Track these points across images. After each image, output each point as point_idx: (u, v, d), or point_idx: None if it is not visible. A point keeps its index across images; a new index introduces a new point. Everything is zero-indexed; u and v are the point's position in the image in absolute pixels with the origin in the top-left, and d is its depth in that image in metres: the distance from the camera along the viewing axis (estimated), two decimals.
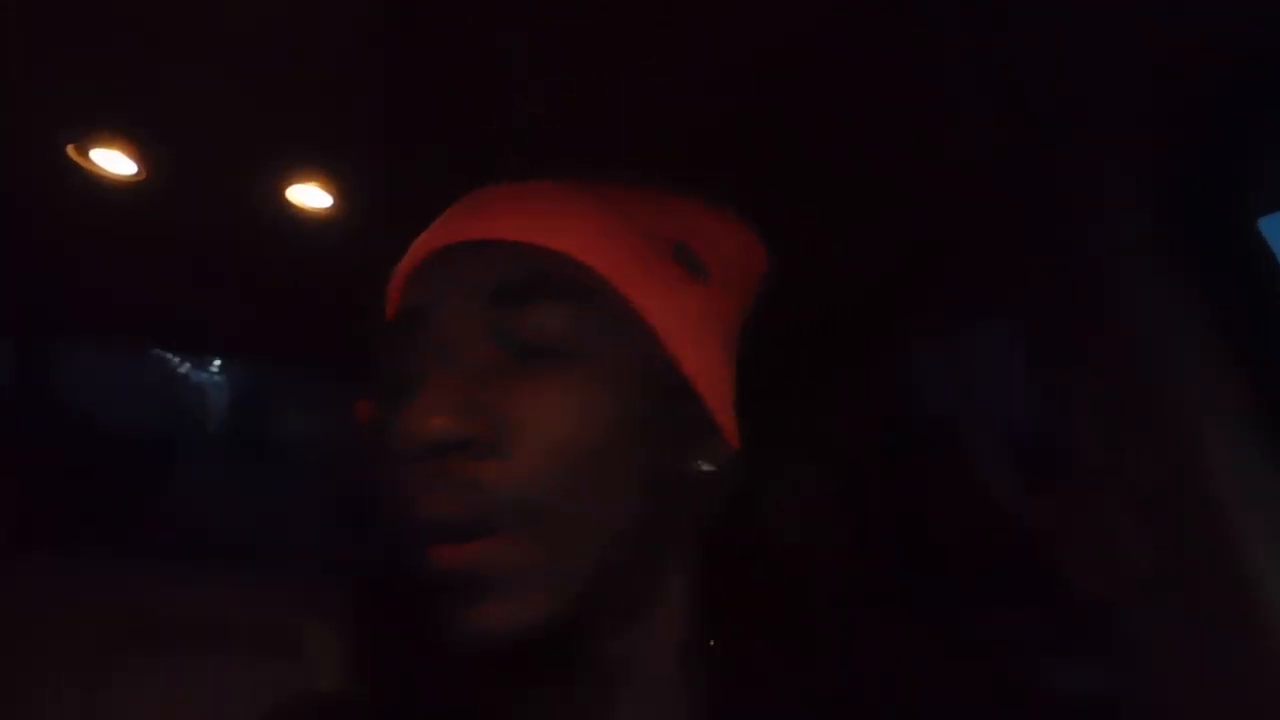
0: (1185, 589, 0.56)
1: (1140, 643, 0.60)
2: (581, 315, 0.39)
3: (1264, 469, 0.54)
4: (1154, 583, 0.58)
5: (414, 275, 0.44)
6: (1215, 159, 0.60)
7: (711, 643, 0.42)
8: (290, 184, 0.77)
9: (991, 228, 0.73)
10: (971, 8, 0.51)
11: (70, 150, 0.76)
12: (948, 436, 0.92)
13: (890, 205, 0.72)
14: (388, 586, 0.50)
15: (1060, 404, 0.67)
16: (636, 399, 0.39)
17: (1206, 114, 0.57)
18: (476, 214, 0.44)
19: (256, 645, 1.03)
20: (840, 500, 0.80)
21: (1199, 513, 0.55)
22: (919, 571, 0.85)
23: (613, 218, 0.43)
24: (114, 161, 0.77)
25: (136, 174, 0.78)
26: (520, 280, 0.40)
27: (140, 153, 0.75)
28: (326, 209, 0.81)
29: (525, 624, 0.35)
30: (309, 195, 0.79)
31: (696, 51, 0.56)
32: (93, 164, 0.77)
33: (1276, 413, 0.55)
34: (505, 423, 0.36)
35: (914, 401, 0.97)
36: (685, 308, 0.42)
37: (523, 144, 0.67)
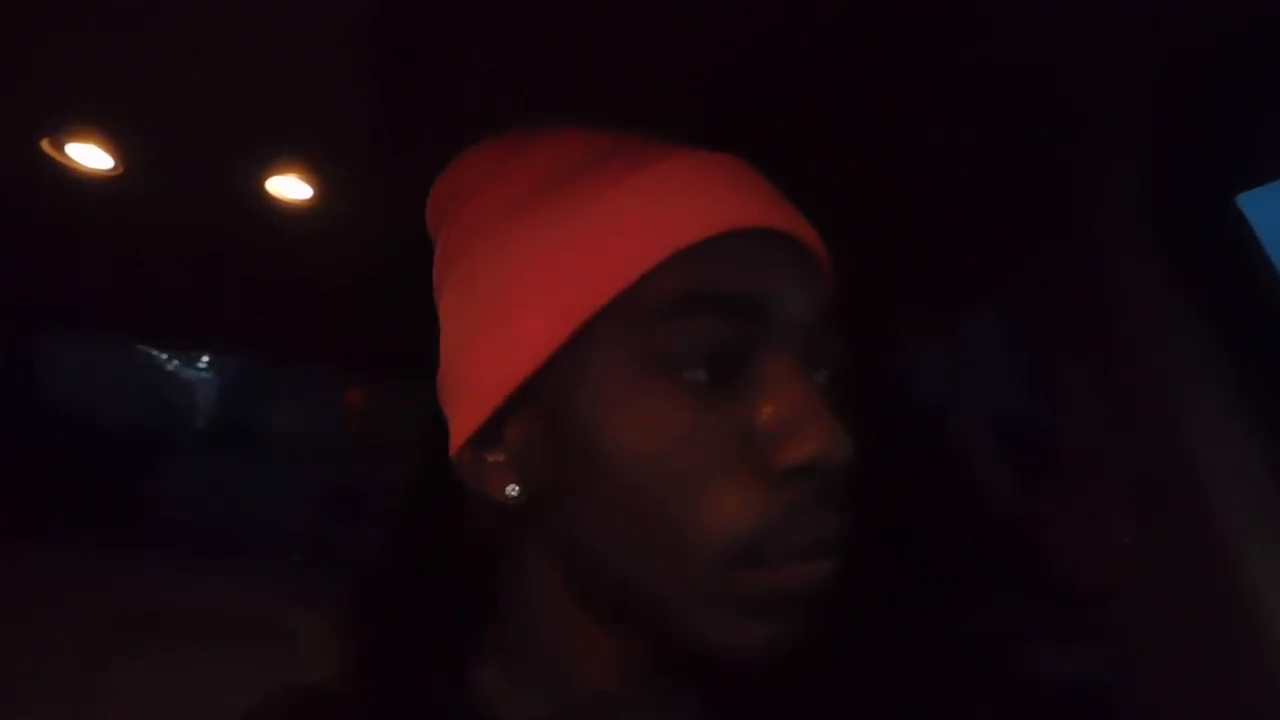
0: (1175, 578, 0.56)
1: (1132, 634, 0.60)
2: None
3: (1250, 453, 0.54)
4: (1145, 573, 0.58)
5: (732, 247, 0.38)
6: (1199, 142, 0.60)
7: None
8: (270, 176, 0.76)
9: (979, 221, 0.73)
10: (965, 3, 0.51)
11: (45, 145, 0.75)
12: (940, 430, 0.92)
13: (884, 200, 0.72)
14: (381, 578, 0.50)
15: (1049, 394, 0.68)
16: None
17: (1193, 99, 0.57)
18: (775, 202, 0.41)
19: (248, 638, 1.04)
20: None
21: (1186, 501, 0.55)
22: (912, 564, 0.85)
23: None
24: (90, 156, 0.75)
25: (114, 168, 0.77)
26: (834, 310, 0.40)
27: (117, 146, 0.74)
28: (307, 200, 0.80)
29: (796, 643, 0.37)
30: (289, 186, 0.78)
31: (687, 42, 0.56)
32: (69, 159, 0.76)
33: (1261, 396, 0.55)
34: None
35: (906, 395, 0.98)
36: None
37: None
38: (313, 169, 0.75)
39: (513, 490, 0.40)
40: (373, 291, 1.02)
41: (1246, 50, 0.53)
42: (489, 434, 0.41)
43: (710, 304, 0.37)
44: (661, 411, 0.36)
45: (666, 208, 0.38)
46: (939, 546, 0.87)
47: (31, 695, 1.01)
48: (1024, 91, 0.58)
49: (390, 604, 0.47)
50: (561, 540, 0.40)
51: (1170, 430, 0.56)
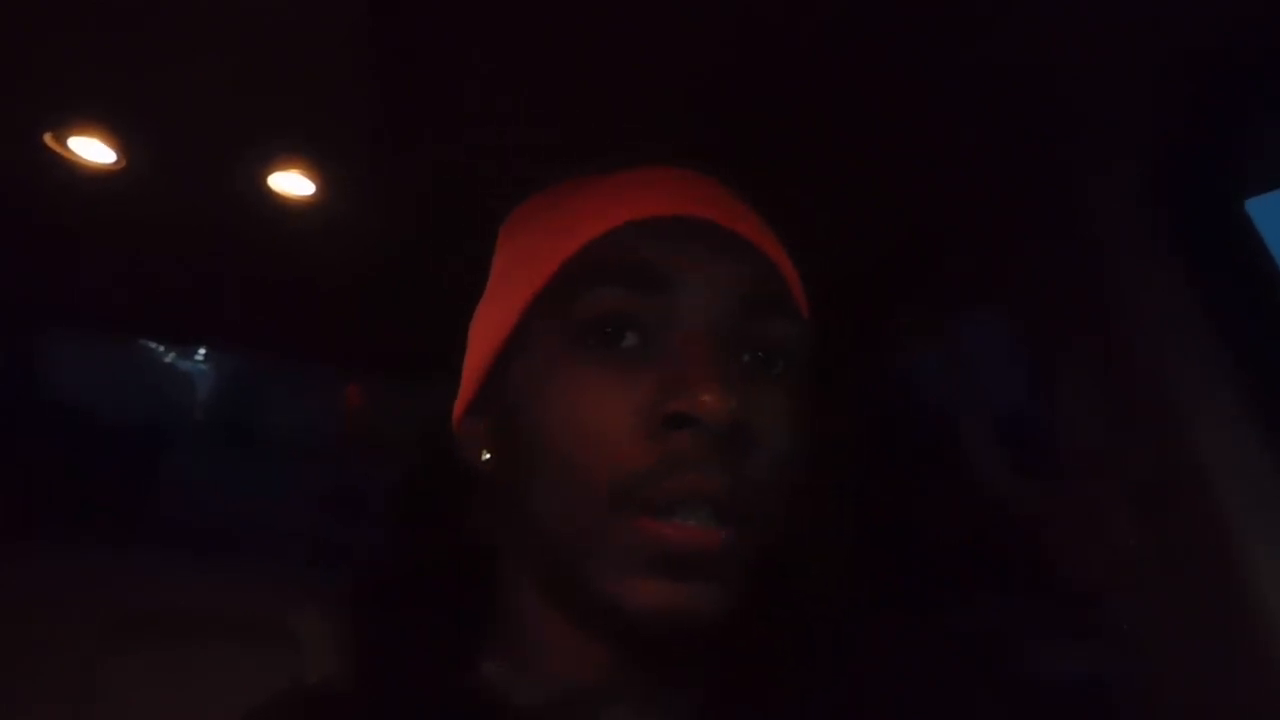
0: (1176, 578, 0.56)
1: (1132, 633, 0.60)
2: (801, 334, 0.43)
3: (1254, 452, 0.54)
4: (1145, 572, 0.58)
5: (642, 229, 0.42)
6: (1202, 143, 0.60)
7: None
8: (272, 172, 0.76)
9: (979, 221, 0.73)
10: (964, 3, 0.51)
11: (48, 139, 0.75)
12: (940, 430, 0.92)
13: (884, 199, 0.72)
14: (381, 578, 0.50)
15: (1050, 394, 0.68)
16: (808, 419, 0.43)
17: (1195, 99, 0.57)
18: (700, 195, 0.45)
19: (248, 638, 1.03)
20: (833, 493, 0.80)
21: (1187, 500, 0.55)
22: (914, 564, 0.85)
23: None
24: (93, 150, 0.76)
25: (116, 162, 0.77)
26: (766, 289, 0.43)
27: (119, 141, 0.74)
28: (308, 197, 0.80)
29: (719, 613, 0.37)
30: (291, 183, 0.78)
31: (687, 42, 0.56)
32: (71, 153, 0.76)
33: (1262, 394, 0.55)
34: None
35: (906, 395, 0.98)
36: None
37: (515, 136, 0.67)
38: (314, 165, 0.75)
39: (485, 456, 0.45)
40: (374, 289, 1.02)
41: (1246, 50, 0.53)
42: (479, 405, 0.46)
43: (613, 274, 0.40)
44: (572, 376, 0.39)
45: (594, 208, 0.44)
46: (939, 546, 0.87)
47: (31, 695, 1.01)
48: (1024, 91, 0.58)
49: (391, 604, 0.47)
50: (513, 509, 0.43)
51: (1170, 430, 0.56)
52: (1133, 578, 0.59)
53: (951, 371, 0.91)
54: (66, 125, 0.72)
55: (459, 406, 0.47)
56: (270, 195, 0.80)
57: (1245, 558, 0.52)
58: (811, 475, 0.43)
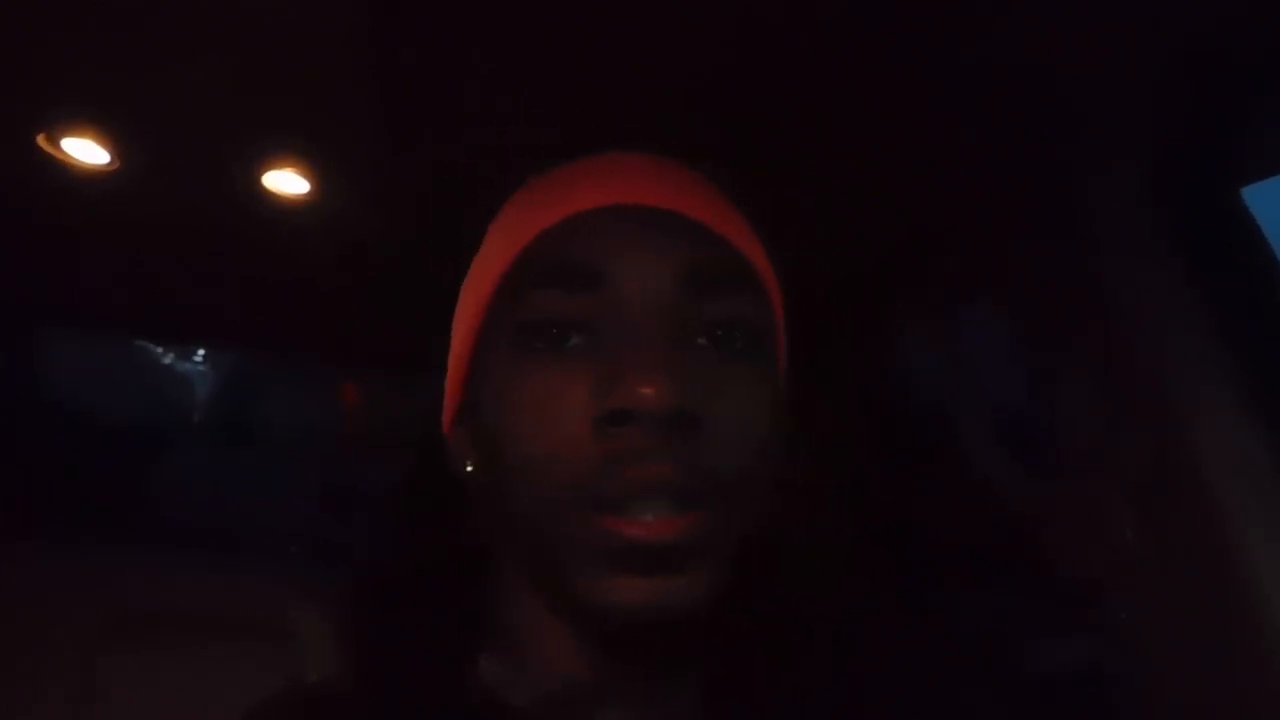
0: (1176, 576, 0.56)
1: (1132, 631, 0.60)
2: (763, 310, 0.42)
3: (1254, 450, 0.54)
4: (1145, 570, 0.58)
5: (577, 225, 0.42)
6: (1202, 142, 0.60)
7: None
8: (266, 170, 0.76)
9: (979, 221, 0.73)
10: (965, 3, 0.51)
11: (41, 140, 0.74)
12: (941, 429, 0.92)
13: (884, 200, 0.72)
14: (381, 577, 0.50)
15: (1050, 393, 0.68)
16: (781, 400, 0.42)
17: (1194, 99, 0.58)
18: (640, 180, 0.44)
19: (247, 637, 1.03)
20: (832, 492, 0.80)
21: (1187, 498, 0.55)
22: (913, 563, 0.85)
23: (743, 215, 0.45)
24: (86, 151, 0.75)
25: (110, 163, 0.77)
26: (714, 266, 0.41)
27: (113, 141, 0.74)
28: (304, 195, 0.80)
29: (694, 604, 0.37)
30: (286, 181, 0.78)
31: (687, 42, 0.56)
32: (65, 154, 0.76)
33: (1265, 394, 0.56)
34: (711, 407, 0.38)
35: (906, 395, 0.98)
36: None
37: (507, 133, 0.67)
38: (310, 164, 0.75)
39: (469, 468, 0.45)
40: (373, 288, 1.02)
41: (1246, 50, 0.53)
42: (461, 415, 0.46)
43: (549, 276, 0.40)
44: (522, 382, 0.39)
45: (534, 209, 0.43)
46: (939, 546, 0.87)
47: (31, 695, 1.01)
48: (1024, 91, 0.58)
49: (390, 603, 0.47)
50: (495, 514, 0.43)
51: (1170, 428, 0.56)
52: (1132, 576, 0.59)
53: (951, 370, 0.91)
54: (61, 126, 0.72)
55: (446, 417, 0.47)
56: (269, 195, 0.80)
57: (1245, 556, 0.52)
58: (811, 473, 0.43)
